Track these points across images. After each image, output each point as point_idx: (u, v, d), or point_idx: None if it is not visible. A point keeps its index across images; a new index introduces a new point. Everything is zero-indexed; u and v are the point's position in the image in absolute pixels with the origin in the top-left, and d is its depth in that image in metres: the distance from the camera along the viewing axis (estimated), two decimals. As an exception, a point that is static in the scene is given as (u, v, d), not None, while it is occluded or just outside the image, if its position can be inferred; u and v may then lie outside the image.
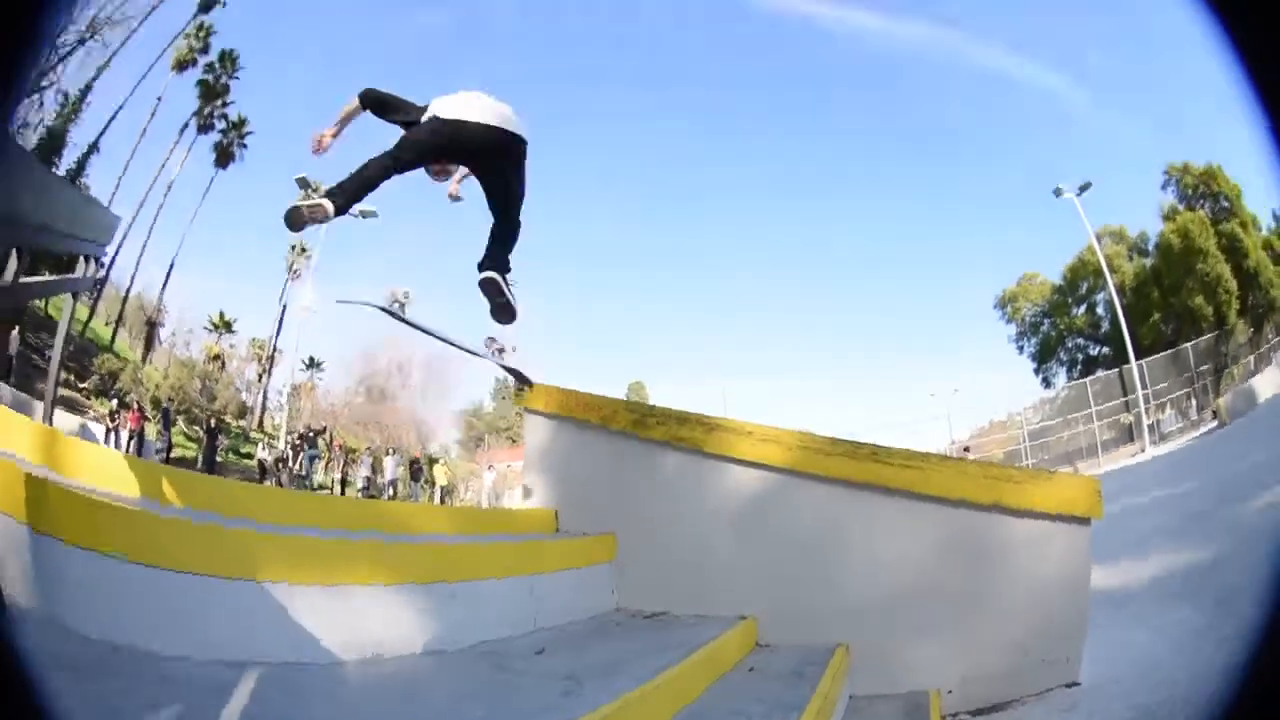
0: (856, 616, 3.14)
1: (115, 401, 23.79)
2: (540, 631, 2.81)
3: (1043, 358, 37.06)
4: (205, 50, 33.46)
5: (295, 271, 37.04)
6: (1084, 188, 27.71)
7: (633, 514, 3.60)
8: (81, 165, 29.19)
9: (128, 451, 19.05)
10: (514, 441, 39.63)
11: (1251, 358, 28.90)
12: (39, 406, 10.15)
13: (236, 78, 34.51)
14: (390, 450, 29.16)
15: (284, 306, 37.31)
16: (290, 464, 26.11)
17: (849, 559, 3.24)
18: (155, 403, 26.68)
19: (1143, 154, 53.25)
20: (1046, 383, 36.50)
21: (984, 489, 3.14)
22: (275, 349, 37.39)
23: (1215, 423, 19.64)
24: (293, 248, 36.60)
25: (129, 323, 33.87)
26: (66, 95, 27.98)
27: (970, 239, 59.18)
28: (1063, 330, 36.20)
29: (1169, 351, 28.73)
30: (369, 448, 30.36)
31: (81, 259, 8.11)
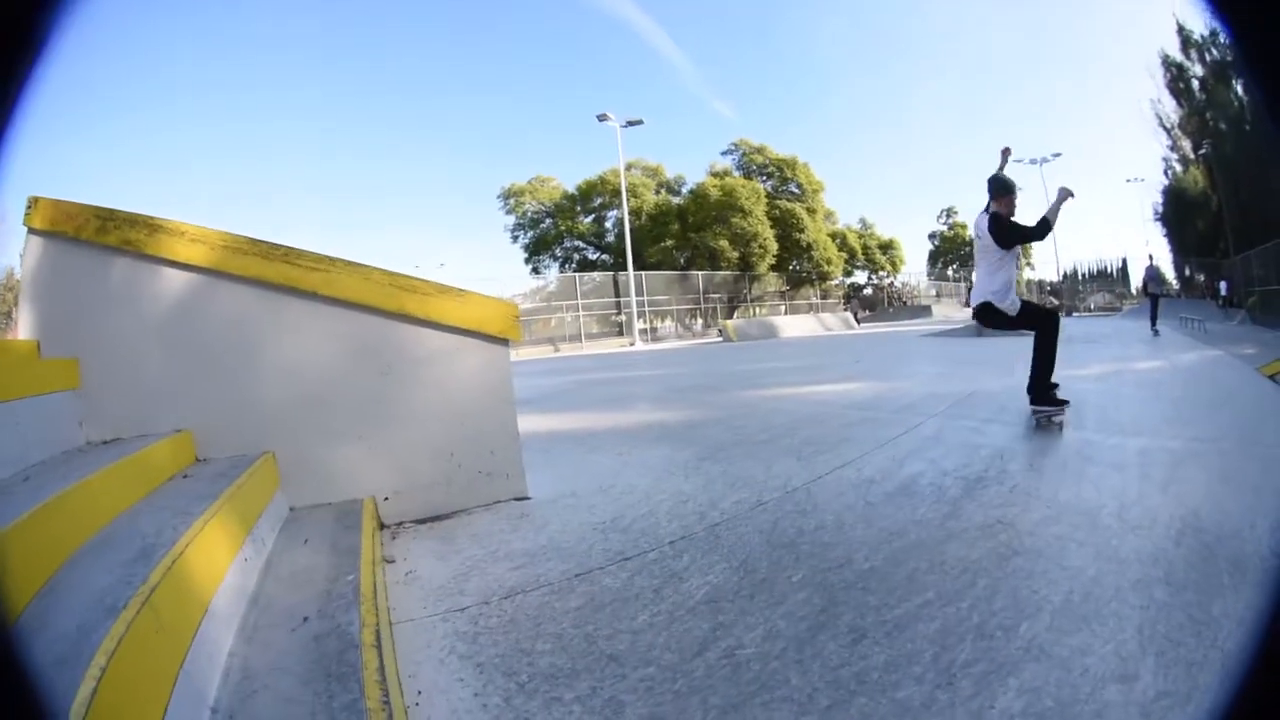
0: (280, 424, 3.16)
1: None
2: (32, 466, 2.60)
3: (536, 250, 40.05)
4: None
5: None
6: (632, 122, 30.35)
7: (93, 334, 3.34)
8: None
9: None
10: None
11: (783, 305, 39.04)
12: None
13: None
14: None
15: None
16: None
17: (266, 365, 3.24)
18: None
19: (717, 122, 63.22)
20: (536, 271, 39.89)
21: (389, 297, 3.24)
22: None
23: (721, 339, 24.98)
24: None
25: None
26: None
27: (500, 130, 64.24)
28: (563, 231, 39.59)
29: (677, 272, 35.17)
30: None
31: None
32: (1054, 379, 4.44)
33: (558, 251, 40.10)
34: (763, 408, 5.82)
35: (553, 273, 38.49)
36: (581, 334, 30.40)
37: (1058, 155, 44.44)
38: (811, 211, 39.83)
